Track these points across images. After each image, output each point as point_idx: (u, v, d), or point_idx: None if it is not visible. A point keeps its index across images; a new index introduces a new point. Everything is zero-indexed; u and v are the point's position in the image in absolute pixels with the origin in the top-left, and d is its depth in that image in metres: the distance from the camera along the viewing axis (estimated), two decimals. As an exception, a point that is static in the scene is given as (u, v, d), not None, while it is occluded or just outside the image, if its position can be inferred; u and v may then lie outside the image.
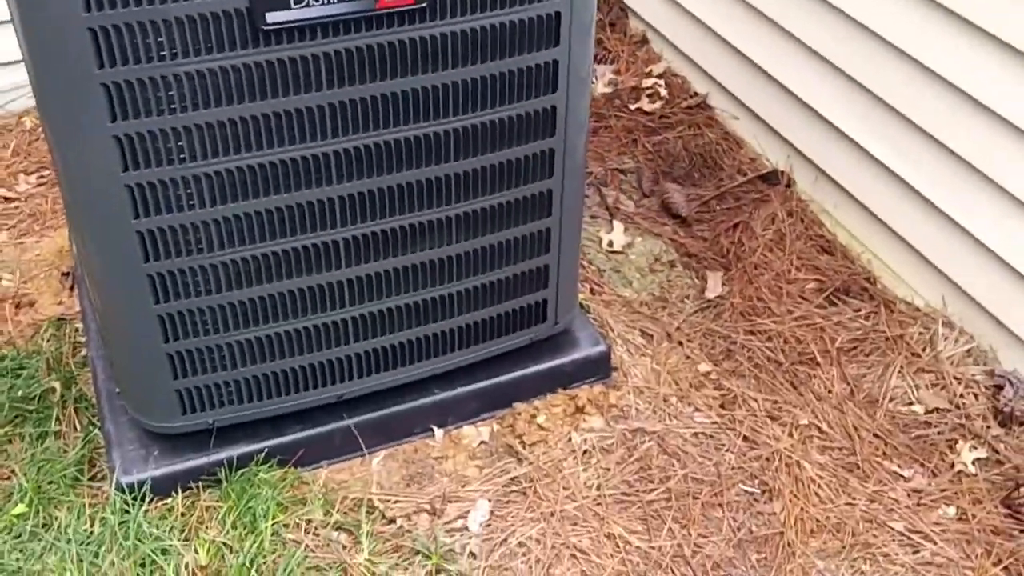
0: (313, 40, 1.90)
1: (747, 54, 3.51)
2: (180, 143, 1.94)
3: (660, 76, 3.93)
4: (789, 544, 2.39)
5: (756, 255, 3.17)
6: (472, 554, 2.34)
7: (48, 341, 2.86)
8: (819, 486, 2.52)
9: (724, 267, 3.15)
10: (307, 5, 1.85)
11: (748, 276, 3.11)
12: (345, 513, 2.39)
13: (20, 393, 2.68)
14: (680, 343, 2.89)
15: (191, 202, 2.02)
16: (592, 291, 3.03)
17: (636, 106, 3.82)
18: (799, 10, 3.22)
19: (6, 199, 3.48)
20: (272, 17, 1.84)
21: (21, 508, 2.38)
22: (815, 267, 3.15)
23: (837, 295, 3.06)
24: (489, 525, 2.40)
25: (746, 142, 3.64)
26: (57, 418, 2.62)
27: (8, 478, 2.48)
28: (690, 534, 2.41)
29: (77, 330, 2.89)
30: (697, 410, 2.70)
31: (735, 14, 3.52)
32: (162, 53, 1.84)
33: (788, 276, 3.11)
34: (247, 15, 1.84)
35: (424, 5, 1.94)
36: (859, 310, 3.00)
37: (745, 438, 2.63)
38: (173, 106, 1.89)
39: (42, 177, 3.57)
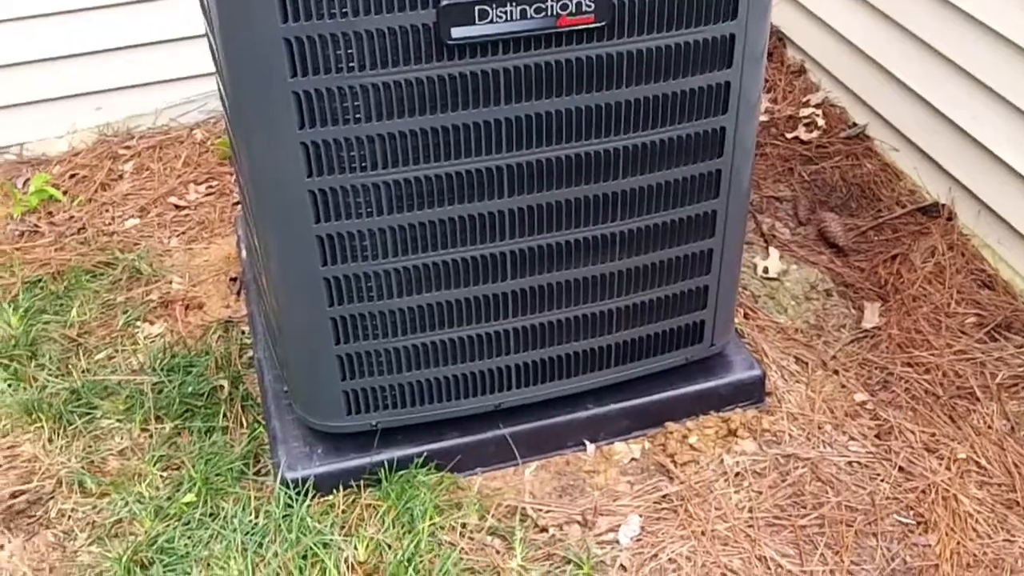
0: (495, 56, 1.97)
1: (909, 84, 3.46)
2: (363, 152, 2.02)
3: (818, 106, 3.90)
4: (945, 578, 2.35)
5: (915, 287, 3.12)
6: (622, 567, 2.35)
7: (216, 342, 2.99)
8: (977, 521, 2.46)
9: (881, 298, 3.11)
10: (491, 21, 1.91)
11: (906, 308, 3.06)
12: (499, 519, 2.43)
13: (190, 389, 2.80)
14: (835, 372, 2.86)
15: (369, 209, 2.10)
16: (746, 316, 3.03)
17: (793, 135, 3.80)
18: (967, 40, 3.17)
19: (177, 207, 3.64)
20: (457, 32, 1.91)
21: (191, 497, 2.49)
22: (976, 301, 3.08)
23: (998, 331, 2.99)
24: (640, 540, 2.41)
25: (906, 174, 3.58)
26: (224, 414, 2.73)
27: (178, 468, 2.60)
28: (843, 561, 2.38)
29: (243, 332, 3.01)
30: (852, 439, 2.67)
31: (897, 44, 3.49)
32: (351, 64, 1.92)
33: (947, 309, 3.05)
34: (433, 30, 1.91)
35: (604, 24, 1.98)
36: (1022, 347, 2.93)
37: (901, 469, 2.59)
38: (358, 116, 1.98)
39: (211, 187, 3.73)
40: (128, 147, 3.92)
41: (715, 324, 2.57)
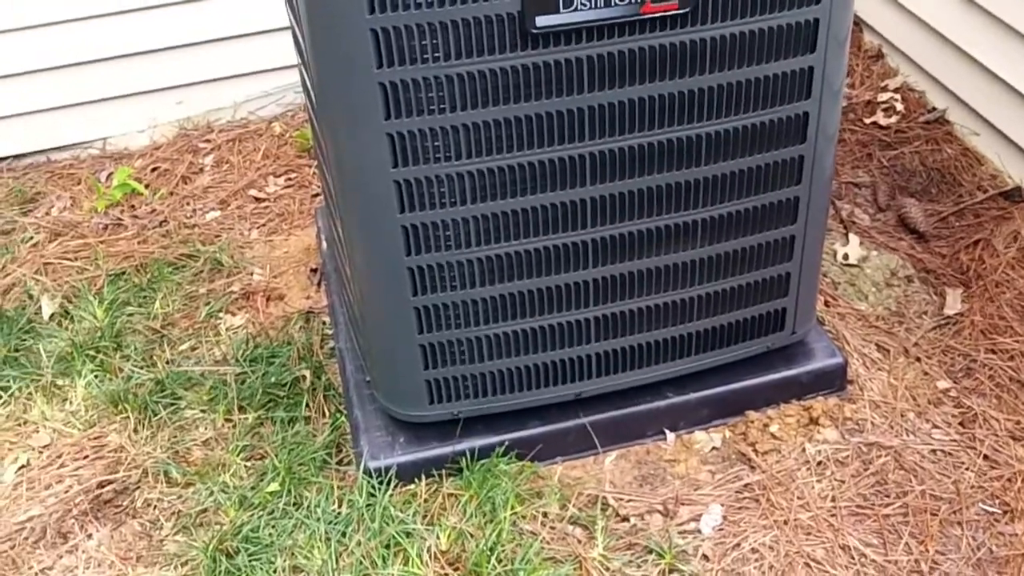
0: (579, 44, 1.97)
1: (990, 67, 3.40)
2: (447, 142, 2.04)
3: (896, 90, 3.85)
4: (1034, 568, 2.31)
5: (997, 273, 3.07)
6: (705, 556, 2.35)
7: (298, 332, 3.03)
8: (1065, 511, 2.42)
9: (964, 284, 3.06)
10: (575, 9, 1.92)
11: (989, 294, 3.01)
12: (580, 508, 2.44)
13: (273, 380, 2.84)
14: (918, 359, 2.82)
15: (452, 199, 2.11)
16: (827, 303, 3.00)
17: (871, 120, 3.76)
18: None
19: (257, 199, 3.70)
20: (541, 21, 1.92)
21: (274, 487, 2.53)
22: (1061, 287, 3.03)
23: (1085, 316, 2.94)
24: (722, 529, 2.41)
25: (987, 158, 3.52)
26: (307, 404, 2.77)
27: (262, 458, 2.64)
28: (927, 550, 2.35)
29: (324, 323, 3.05)
30: (935, 427, 2.64)
31: (977, 26, 3.42)
32: (436, 55, 1.94)
33: (1032, 296, 3.00)
34: (517, 19, 1.92)
35: (687, 10, 1.97)
36: (1110, 333, 2.87)
37: (986, 457, 2.55)
38: (443, 106, 1.99)
39: (289, 180, 3.78)
40: (208, 140, 3.99)
41: (796, 312, 2.55)
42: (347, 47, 1.92)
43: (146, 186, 3.77)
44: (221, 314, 3.16)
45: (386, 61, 1.93)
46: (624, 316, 2.38)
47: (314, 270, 3.28)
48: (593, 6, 1.92)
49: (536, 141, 2.07)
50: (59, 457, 2.70)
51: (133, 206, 3.70)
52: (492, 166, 2.09)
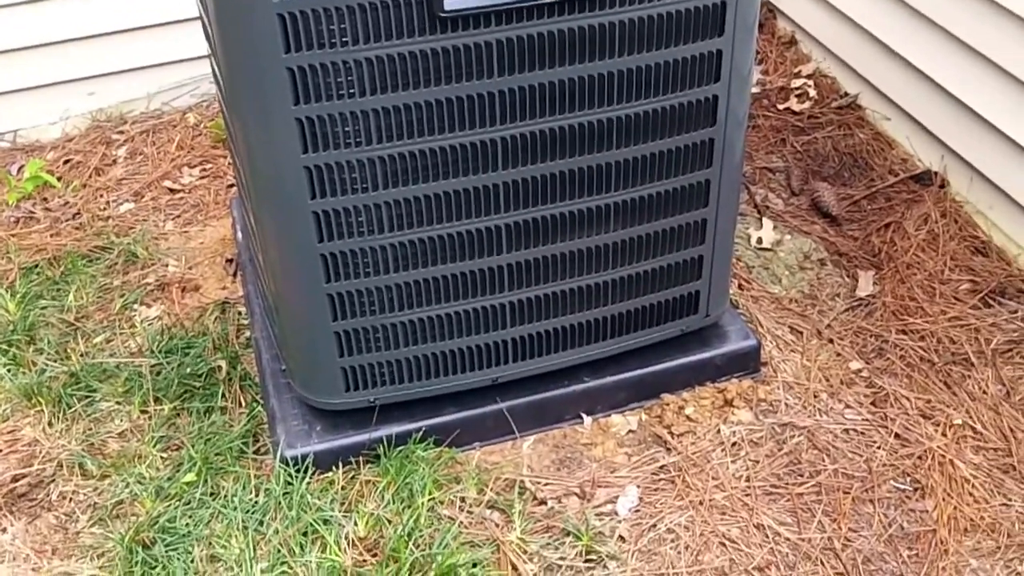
0: (489, 27, 1.97)
1: (901, 53, 3.47)
2: (357, 127, 2.03)
3: (809, 76, 3.91)
4: (942, 542, 2.36)
5: (908, 255, 3.14)
6: (621, 537, 2.37)
7: (213, 323, 3.00)
8: (973, 486, 2.48)
9: (875, 266, 3.13)
10: (484, -7, 1.92)
11: (900, 276, 3.07)
12: (498, 493, 2.45)
13: (188, 370, 2.81)
14: (831, 340, 2.87)
15: (364, 184, 2.10)
16: (741, 287, 3.04)
17: (785, 106, 3.81)
18: (956, 6, 3.17)
19: (171, 191, 3.65)
20: (450, 4, 1.91)
21: (191, 477, 2.50)
22: (969, 268, 3.10)
23: (992, 296, 3.01)
24: (638, 511, 2.43)
25: (898, 142, 3.59)
26: (223, 395, 2.74)
27: (178, 449, 2.61)
28: (840, 528, 2.40)
29: (240, 313, 3.02)
30: (848, 407, 2.69)
31: (889, 13, 3.49)
32: (344, 39, 1.92)
33: (941, 277, 3.07)
34: (426, 2, 1.91)
35: (595, -7, 1.99)
36: (1016, 312, 2.94)
37: (897, 436, 2.60)
38: (352, 91, 1.98)
39: (204, 170, 3.73)
40: (121, 132, 3.92)
41: (710, 295, 2.58)
42: (254, 32, 1.91)
43: (59, 178, 3.70)
44: (136, 306, 3.11)
45: (294, 46, 1.91)
46: (540, 300, 2.40)
47: (229, 260, 3.24)
48: (501, -11, 1.92)
49: (448, 125, 2.07)
50: (-30, 452, 2.65)
51: (46, 199, 3.63)
52: (404, 151, 2.08)
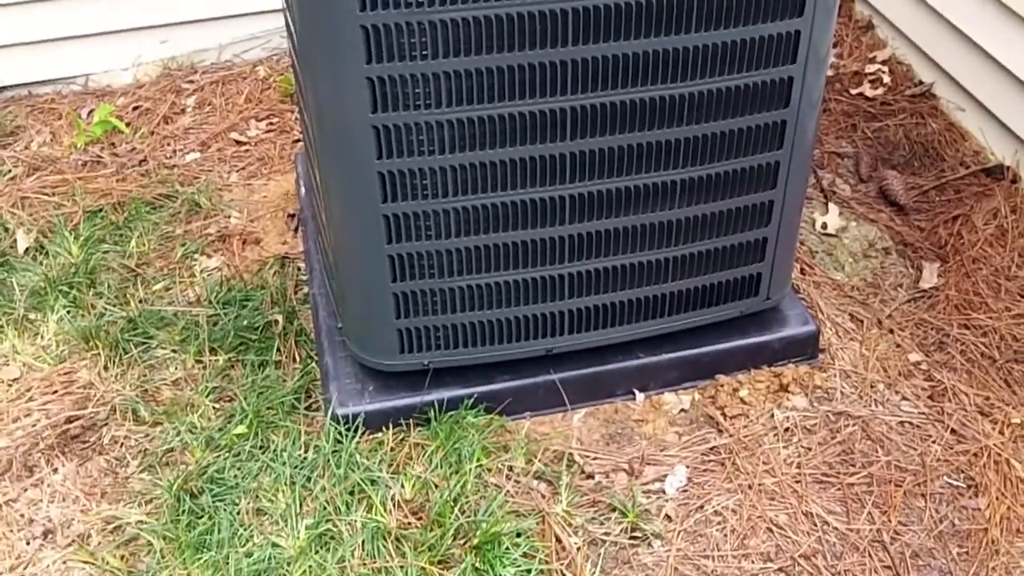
0: (564, -6, 1.95)
1: (979, 43, 3.39)
2: (428, 89, 2.02)
3: (884, 63, 3.84)
4: (993, 541, 2.33)
5: (975, 249, 3.08)
6: (668, 516, 2.36)
7: (272, 277, 3.01)
8: (1029, 487, 2.45)
9: (941, 258, 3.07)
10: (562, -40, 1.89)
11: (966, 269, 3.02)
12: (546, 464, 2.45)
13: (245, 323, 2.83)
14: (891, 331, 2.83)
15: (431, 147, 2.09)
16: (803, 271, 3.00)
17: (857, 91, 3.75)
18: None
19: (237, 143, 3.67)
20: (528, -30, 1.89)
21: (242, 429, 2.52)
22: (1038, 266, 3.04)
23: (1061, 294, 2.95)
24: (686, 491, 2.42)
25: (971, 134, 3.52)
26: (278, 349, 2.76)
27: (230, 400, 2.63)
28: (890, 520, 2.37)
29: (299, 269, 3.03)
30: (904, 399, 2.65)
31: (968, 1, 3.41)
32: (420, 1, 1.91)
33: (1008, 273, 3.01)
34: (504, -33, 1.90)
35: (675, -35, 1.95)
36: (1082, 313, 2.88)
37: (953, 431, 2.57)
38: (425, 52, 1.97)
39: (271, 124, 3.75)
40: (191, 81, 3.95)
41: (772, 278, 2.55)
42: (330, -13, 1.90)
43: (127, 124, 3.73)
44: (196, 256, 3.14)
45: (370, 4, 1.90)
46: (599, 274, 2.38)
47: (291, 215, 3.26)
48: (580, -42, 1.90)
49: (518, 92, 2.06)
50: (28, 391, 2.69)
51: (113, 144, 3.67)
52: (472, 116, 2.07)
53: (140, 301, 2.96)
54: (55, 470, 2.51)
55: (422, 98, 2.03)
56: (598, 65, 2.05)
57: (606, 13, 1.98)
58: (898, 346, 2.79)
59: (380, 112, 2.03)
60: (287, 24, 2.35)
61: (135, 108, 3.84)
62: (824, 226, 3.16)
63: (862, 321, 2.86)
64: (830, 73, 3.82)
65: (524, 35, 1.99)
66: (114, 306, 2.94)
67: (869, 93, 3.73)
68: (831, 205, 3.24)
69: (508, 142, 2.12)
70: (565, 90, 2.07)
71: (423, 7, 1.91)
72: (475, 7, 1.93)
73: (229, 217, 3.29)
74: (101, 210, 3.33)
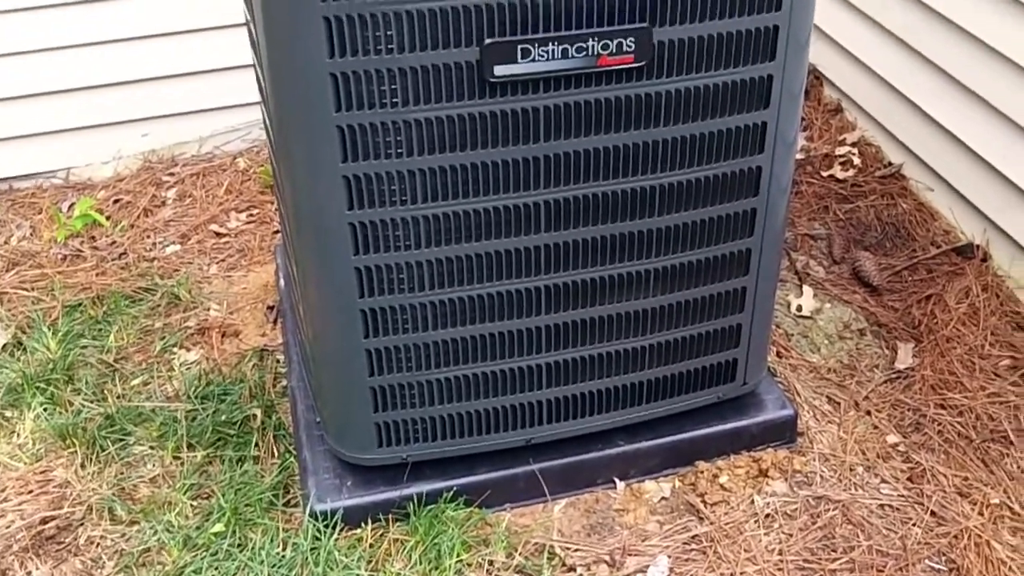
0: (536, 93, 1.99)
1: (944, 124, 3.46)
2: (403, 186, 2.05)
3: (853, 144, 3.91)
4: (978, 626, 2.32)
5: (949, 328, 3.11)
6: (651, 607, 2.35)
7: (251, 369, 3.01)
8: (1010, 568, 2.44)
9: (915, 338, 3.10)
10: (533, 60, 1.94)
11: (940, 349, 3.04)
12: (527, 557, 2.43)
13: (223, 418, 2.83)
14: (868, 412, 2.85)
15: (407, 242, 2.12)
16: (779, 354, 3.02)
17: (828, 173, 3.81)
18: (1000, 79, 3.16)
19: (218, 234, 3.69)
20: (500, 70, 1.94)
21: (219, 527, 2.50)
22: (1010, 344, 3.06)
23: (1033, 374, 2.97)
24: (668, 580, 2.41)
25: (941, 214, 3.57)
26: (256, 444, 2.75)
27: (208, 497, 2.61)
28: (874, 607, 2.36)
29: (278, 361, 3.04)
30: (884, 481, 2.65)
31: (931, 83, 3.49)
32: (395, 100, 1.95)
33: (982, 351, 3.03)
34: (476, 67, 1.94)
35: (643, 64, 2.00)
36: (1058, 391, 2.91)
37: (933, 513, 2.57)
38: (400, 150, 2.00)
39: (251, 215, 3.77)
40: (172, 174, 3.98)
41: (748, 362, 2.57)
42: (307, 90, 1.93)
43: (108, 217, 3.75)
44: (176, 349, 3.14)
45: (345, 105, 1.94)
46: (576, 363, 2.39)
47: (271, 307, 3.27)
48: (551, 57, 1.94)
49: (492, 187, 2.09)
50: (2, 491, 2.67)
51: (93, 237, 3.68)
52: (448, 211, 2.10)
53: (118, 397, 2.95)
54: (29, 573, 2.48)
55: (398, 194, 2.06)
56: (571, 159, 2.09)
57: (576, 110, 2.03)
58: (876, 428, 2.81)
59: (356, 209, 2.05)
60: (264, 119, 2.39)
61: (116, 201, 3.86)
62: (799, 308, 3.19)
63: (839, 403, 2.88)
64: (801, 155, 3.88)
65: (497, 131, 2.02)
66: (92, 402, 2.93)
67: (840, 175, 3.79)
68: (805, 287, 3.27)
69: (484, 235, 2.15)
70: (539, 184, 2.10)
71: (397, 107, 1.95)
72: (448, 107, 1.97)
73: (208, 309, 3.30)
74: (80, 304, 3.33)
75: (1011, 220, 3.25)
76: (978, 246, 3.38)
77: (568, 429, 2.50)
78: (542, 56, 1.94)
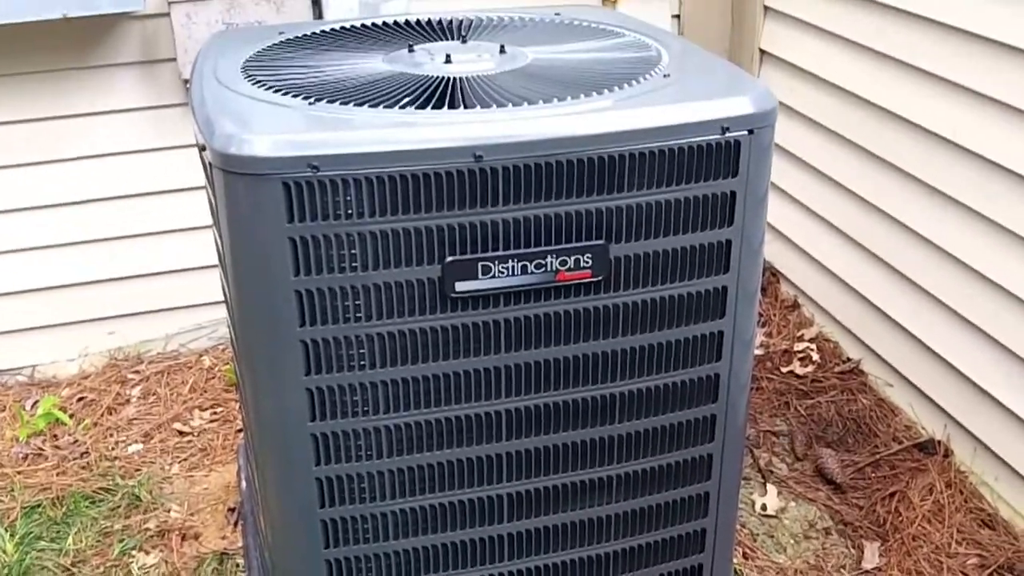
0: (496, 307, 2.04)
1: (900, 321, 3.55)
2: (365, 396, 2.06)
3: (812, 340, 3.99)
4: None
5: (914, 526, 3.12)
6: None
7: (211, 575, 2.96)
8: None
9: (881, 537, 3.10)
10: (493, 276, 1.99)
11: (906, 548, 3.04)
12: None
13: (181, 627, 2.77)
14: (836, 616, 2.83)
15: (369, 452, 2.12)
16: (745, 556, 3.01)
17: (788, 369, 3.87)
18: (951, 280, 3.26)
19: (181, 433, 3.68)
20: (461, 286, 1.99)
21: None
22: (976, 542, 3.07)
23: (1000, 572, 2.97)
24: None
25: (901, 409, 3.63)
26: (215, 654, 2.69)
27: None
28: None
29: (238, 565, 2.99)
30: None
31: (887, 283, 3.59)
32: (358, 315, 1.99)
33: (948, 550, 3.04)
34: (438, 283, 1.99)
35: (600, 278, 2.06)
36: (1025, 591, 2.90)
37: None
38: (363, 363, 2.03)
39: (215, 413, 3.77)
40: (137, 371, 3.99)
41: (713, 567, 2.55)
42: (272, 306, 1.97)
43: (71, 415, 3.74)
44: (135, 552, 3.09)
45: (309, 320, 1.97)
46: (539, 571, 2.37)
47: (232, 509, 3.24)
48: (510, 274, 2.00)
49: (454, 397, 2.11)
50: None
51: (56, 435, 3.66)
52: (410, 421, 2.11)
53: (74, 604, 2.89)
54: None
55: (360, 405, 2.07)
56: (531, 370, 2.12)
57: (536, 323, 2.08)
58: (845, 632, 2.78)
59: (319, 420, 2.07)
60: (229, 327, 2.42)
61: (80, 399, 3.86)
62: (764, 507, 3.20)
63: (807, 606, 2.86)
64: (760, 352, 3.95)
65: (459, 343, 2.06)
66: (47, 609, 2.86)
67: (799, 371, 3.86)
68: (769, 485, 3.28)
69: (446, 444, 2.16)
70: (500, 394, 2.13)
71: (360, 322, 1.99)
72: (411, 320, 2.01)
73: (169, 511, 3.27)
74: (40, 505, 3.30)
75: (971, 416, 3.30)
76: (939, 442, 3.42)
77: (532, 637, 2.46)
78: (502, 272, 2.00)
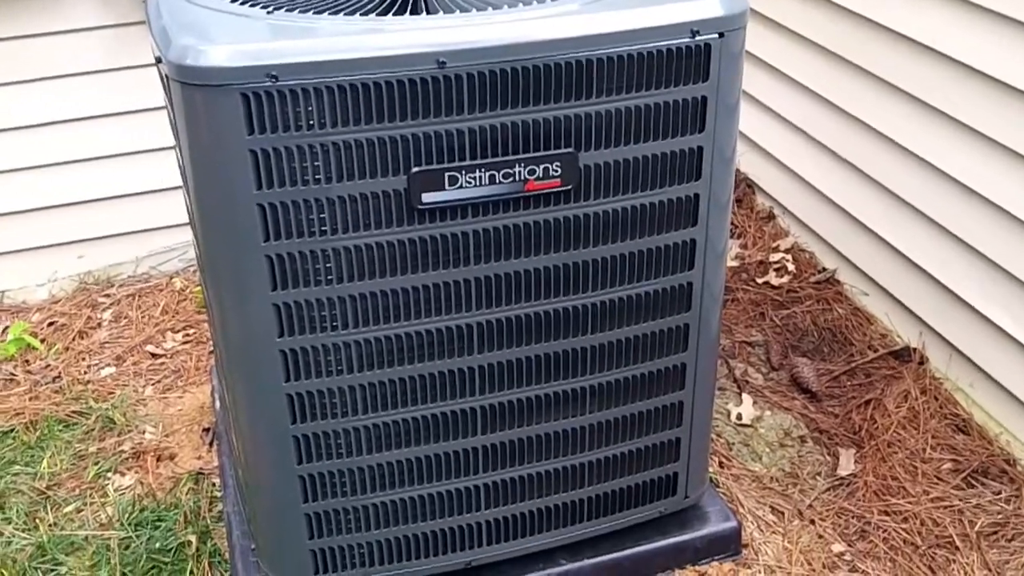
0: (464, 219, 2.00)
1: (875, 230, 3.53)
2: (333, 312, 2.04)
3: (787, 251, 3.97)
4: None
5: (889, 433, 3.13)
6: None
7: (187, 494, 2.96)
8: None
9: (856, 444, 3.11)
10: (460, 187, 1.96)
11: (881, 454, 3.06)
12: None
13: (158, 545, 2.76)
14: (812, 521, 2.84)
15: (339, 368, 2.10)
16: (721, 464, 3.02)
17: (763, 280, 3.86)
18: (929, 186, 3.24)
19: (153, 356, 3.64)
20: (427, 197, 1.95)
21: (153, 660, 2.43)
22: (951, 447, 3.09)
23: (975, 476, 2.99)
24: None
25: (876, 318, 3.62)
26: (191, 571, 2.69)
27: (144, 630, 2.55)
28: None
29: (214, 485, 2.98)
30: (829, 592, 2.64)
31: (862, 192, 3.56)
32: (323, 228, 1.95)
33: (923, 455, 3.05)
34: (404, 195, 1.95)
35: (570, 187, 2.03)
36: (999, 493, 2.92)
37: (880, 624, 2.56)
38: (330, 277, 2.00)
39: (188, 335, 3.74)
40: (108, 295, 3.94)
41: (688, 476, 2.56)
42: (235, 220, 1.94)
43: (42, 340, 3.70)
44: (110, 474, 3.07)
45: (273, 234, 1.94)
46: (515, 483, 2.37)
47: (207, 429, 3.22)
48: (478, 184, 1.97)
49: (423, 311, 2.09)
50: (-73, 631, 2.58)
51: (27, 361, 3.62)
52: (379, 335, 2.09)
53: (50, 525, 2.87)
54: None
55: (328, 321, 2.05)
56: (501, 282, 2.10)
57: (504, 234, 2.04)
58: (820, 537, 2.80)
59: (287, 336, 2.04)
60: (195, 246, 2.38)
61: (50, 324, 3.81)
62: (739, 417, 3.20)
63: (783, 513, 2.87)
64: (736, 263, 3.94)
65: (427, 256, 2.03)
66: (22, 531, 2.85)
67: (775, 281, 3.84)
68: (745, 395, 3.29)
69: (416, 358, 2.14)
70: (470, 306, 2.11)
71: (326, 235, 1.95)
72: (376, 234, 1.98)
73: (144, 433, 3.24)
74: (13, 430, 3.27)
75: (946, 323, 3.30)
76: (915, 349, 3.43)
77: (509, 550, 2.47)
78: (470, 183, 1.96)
